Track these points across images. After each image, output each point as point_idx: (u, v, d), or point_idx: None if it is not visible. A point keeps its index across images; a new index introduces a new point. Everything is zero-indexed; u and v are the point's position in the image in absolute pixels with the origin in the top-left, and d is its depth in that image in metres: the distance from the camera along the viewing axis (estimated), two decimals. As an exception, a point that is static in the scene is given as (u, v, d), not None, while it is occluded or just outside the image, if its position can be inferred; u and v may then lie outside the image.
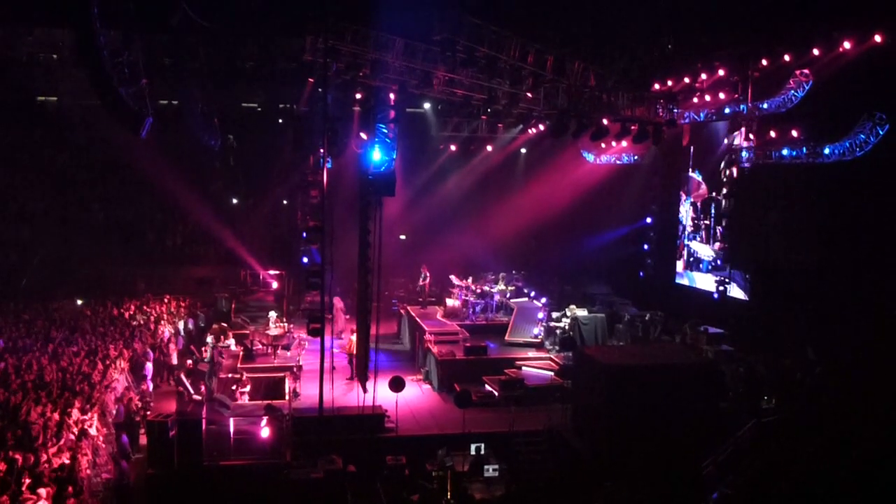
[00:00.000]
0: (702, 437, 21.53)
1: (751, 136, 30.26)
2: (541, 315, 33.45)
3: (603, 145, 39.35)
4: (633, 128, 30.41)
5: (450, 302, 37.35)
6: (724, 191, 32.35)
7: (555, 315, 33.53)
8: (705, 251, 34.47)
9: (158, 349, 28.64)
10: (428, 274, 40.08)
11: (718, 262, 33.15)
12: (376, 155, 26.43)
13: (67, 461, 17.50)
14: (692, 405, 22.39)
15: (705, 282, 34.18)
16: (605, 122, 29.96)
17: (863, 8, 24.32)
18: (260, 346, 31.44)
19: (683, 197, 36.46)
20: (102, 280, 39.38)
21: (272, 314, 33.77)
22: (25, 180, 41.58)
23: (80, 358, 24.80)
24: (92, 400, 21.09)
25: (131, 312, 32.74)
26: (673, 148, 36.14)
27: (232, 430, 21.69)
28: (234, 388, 25.65)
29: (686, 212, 36.22)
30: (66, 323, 30.02)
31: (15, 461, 16.57)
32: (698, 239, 35.14)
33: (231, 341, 31.27)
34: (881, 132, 24.77)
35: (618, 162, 41.71)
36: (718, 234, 33.32)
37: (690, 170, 35.74)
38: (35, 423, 18.86)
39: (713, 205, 33.89)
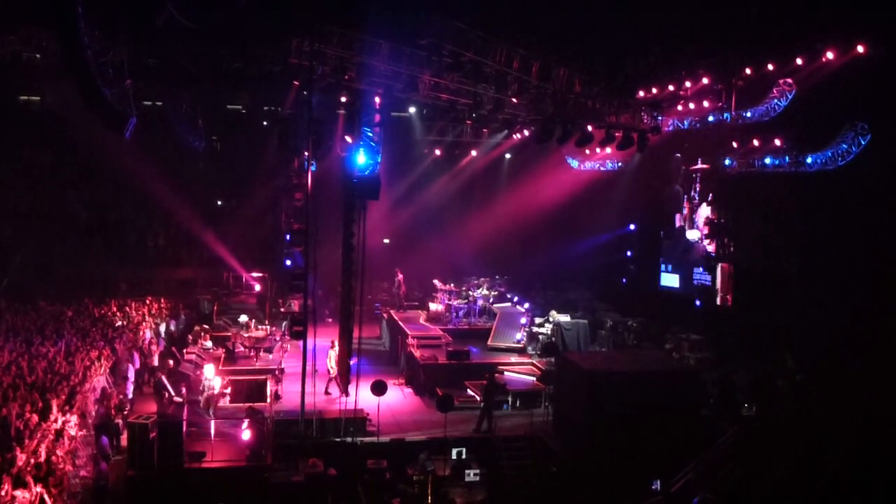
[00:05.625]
0: (682, 444, 21.58)
1: (734, 144, 30.39)
2: (523, 320, 33.55)
3: (587, 151, 39.55)
4: (617, 134, 30.49)
5: (433, 306, 37.41)
6: (707, 198, 32.50)
7: (537, 320, 33.60)
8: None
9: (140, 350, 28.52)
10: (401, 278, 40.13)
11: (701, 268, 33.28)
12: (361, 158, 26.45)
13: (45, 461, 17.40)
14: (673, 412, 22.43)
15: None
16: (589, 128, 30.05)
17: (845, 18, 24.48)
18: (242, 349, 31.40)
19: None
20: (84, 281, 39.18)
21: (243, 318, 33.62)
22: (7, 180, 41.31)
23: (60, 358, 24.64)
24: (72, 401, 20.97)
25: (113, 312, 32.58)
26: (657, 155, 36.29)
27: (213, 432, 21.63)
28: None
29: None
30: (47, 323, 29.82)
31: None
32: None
33: (209, 343, 31.24)
34: (863, 142, 24.96)
35: (602, 168, 41.92)
36: (702, 240, 33.47)
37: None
38: (13, 423, 18.74)
39: (697, 212, 34.06)
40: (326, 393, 27.26)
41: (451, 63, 27.19)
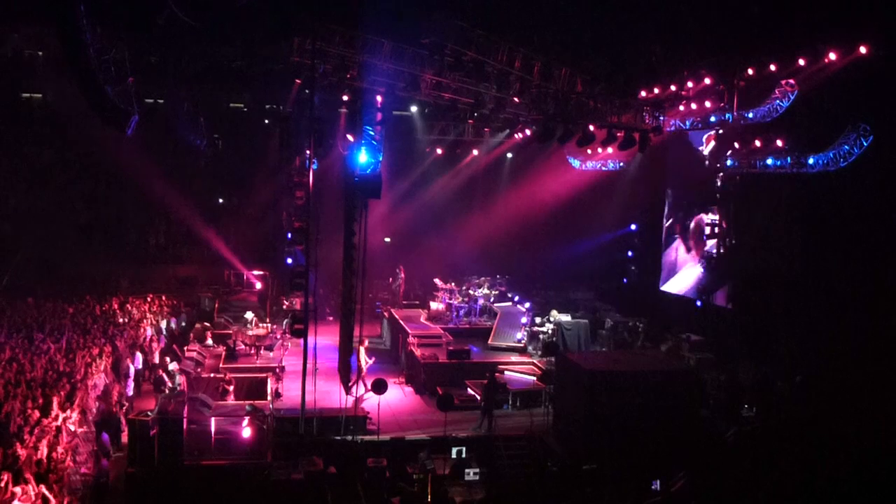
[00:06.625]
0: (682, 444, 21.58)
1: (735, 145, 30.37)
2: (524, 320, 33.52)
3: (589, 151, 39.53)
4: (619, 134, 30.48)
5: (434, 305, 37.40)
6: (708, 199, 32.49)
7: (538, 320, 33.61)
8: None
9: (141, 349, 28.56)
10: (402, 275, 40.14)
11: (702, 269, 33.26)
12: (362, 157, 26.42)
13: (46, 458, 17.41)
14: (673, 412, 22.46)
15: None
16: (591, 128, 30.04)
17: (848, 19, 24.44)
18: (242, 347, 31.42)
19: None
20: (84, 278, 39.21)
21: (248, 315, 33.71)
22: (8, 177, 41.36)
23: (61, 355, 24.67)
24: (72, 397, 20.99)
25: (114, 310, 32.62)
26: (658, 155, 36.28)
27: (213, 429, 21.65)
28: (217, 387, 25.55)
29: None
30: (47, 320, 29.85)
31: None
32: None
33: (210, 341, 31.29)
34: (865, 143, 24.87)
35: (603, 168, 41.90)
36: (703, 241, 33.46)
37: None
38: (14, 419, 18.75)
39: (698, 213, 34.07)
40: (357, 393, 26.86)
41: (452, 62, 27.22)
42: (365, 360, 27.81)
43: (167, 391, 24.37)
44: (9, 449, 17.00)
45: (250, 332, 32.19)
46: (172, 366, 26.25)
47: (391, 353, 35.00)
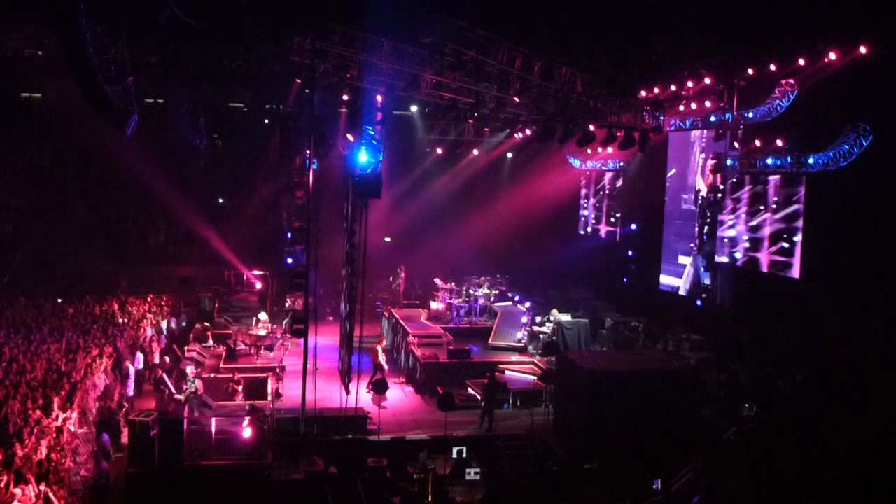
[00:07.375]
0: (682, 444, 21.57)
1: (735, 144, 30.36)
2: (524, 319, 33.50)
3: (589, 151, 39.52)
4: (619, 134, 30.49)
5: (434, 305, 37.38)
6: (710, 198, 32.47)
7: (538, 319, 33.59)
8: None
9: (140, 348, 28.55)
10: (403, 275, 40.14)
11: (702, 268, 33.22)
12: (363, 157, 26.40)
13: (45, 459, 17.39)
14: (674, 411, 22.45)
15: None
16: (591, 127, 30.04)
17: (848, 19, 24.43)
18: (243, 347, 31.41)
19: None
20: (84, 278, 39.19)
21: (262, 315, 33.83)
22: (8, 176, 41.33)
23: (61, 355, 24.65)
24: (73, 398, 20.97)
25: (114, 310, 32.60)
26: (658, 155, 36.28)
27: (213, 429, 21.63)
28: (226, 388, 25.54)
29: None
30: (48, 320, 29.83)
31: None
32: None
33: (210, 341, 31.29)
34: (865, 143, 24.86)
35: (603, 168, 41.90)
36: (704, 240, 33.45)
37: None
38: (13, 420, 18.73)
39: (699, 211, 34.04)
40: (370, 391, 26.67)
41: (452, 62, 27.21)
42: (384, 359, 27.90)
43: (192, 396, 24.24)
44: (9, 449, 16.99)
45: (260, 332, 32.20)
46: (189, 369, 26.19)
47: (391, 353, 34.98)
